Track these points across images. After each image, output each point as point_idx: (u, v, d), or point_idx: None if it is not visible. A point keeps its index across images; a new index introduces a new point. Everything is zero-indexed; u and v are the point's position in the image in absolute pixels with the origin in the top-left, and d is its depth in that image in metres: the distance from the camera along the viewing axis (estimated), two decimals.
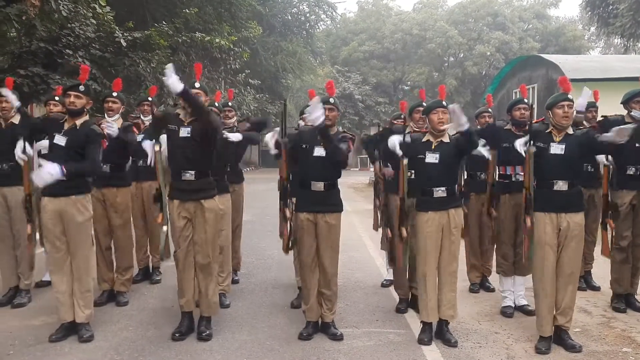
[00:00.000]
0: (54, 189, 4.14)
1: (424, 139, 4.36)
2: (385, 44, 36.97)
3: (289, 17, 29.17)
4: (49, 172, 3.96)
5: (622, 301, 5.16)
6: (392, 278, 5.62)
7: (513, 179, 5.01)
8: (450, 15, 38.35)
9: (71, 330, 4.32)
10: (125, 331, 4.53)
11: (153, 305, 5.28)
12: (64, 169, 4.01)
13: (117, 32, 10.44)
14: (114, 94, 5.30)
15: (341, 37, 39.24)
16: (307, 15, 30.46)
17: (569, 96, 4.11)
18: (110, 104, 5.22)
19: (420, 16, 37.85)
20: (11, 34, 8.41)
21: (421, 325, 4.44)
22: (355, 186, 19.18)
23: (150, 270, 6.22)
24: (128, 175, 5.50)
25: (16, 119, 5.16)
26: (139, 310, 5.11)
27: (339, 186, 4.51)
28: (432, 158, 4.24)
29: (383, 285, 6.03)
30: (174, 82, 3.94)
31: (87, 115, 4.47)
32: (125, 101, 5.63)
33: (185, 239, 4.31)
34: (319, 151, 4.28)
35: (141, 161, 5.77)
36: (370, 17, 39.53)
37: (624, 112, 5.17)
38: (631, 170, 5.01)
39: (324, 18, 32.21)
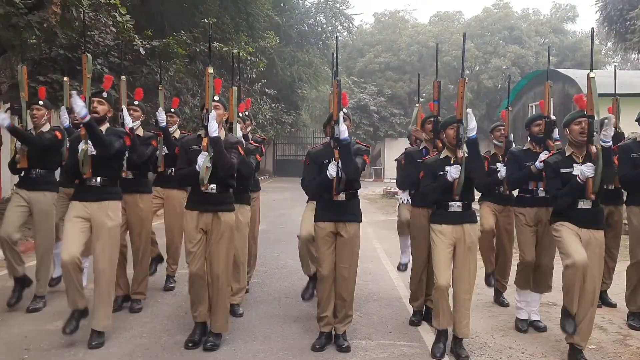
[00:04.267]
0: (87, 194, 4.26)
1: (442, 156, 4.39)
2: (401, 55, 37.04)
3: (306, 28, 29.33)
4: (80, 103, 4.06)
5: (638, 318, 5.11)
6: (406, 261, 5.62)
7: (535, 195, 4.99)
8: (467, 28, 38.29)
9: (83, 315, 4.37)
10: (139, 338, 4.55)
11: (167, 312, 5.30)
12: (88, 116, 4.13)
13: (136, 40, 10.55)
14: (135, 102, 5.39)
15: (357, 48, 39.38)
16: (324, 26, 30.61)
17: (586, 113, 4.11)
18: (131, 112, 5.30)
19: (437, 29, 37.91)
20: (31, 41, 8.53)
21: (435, 335, 4.42)
22: (370, 197, 19.17)
23: (165, 278, 6.25)
24: (150, 182, 5.57)
25: (46, 128, 5.26)
26: (153, 317, 5.14)
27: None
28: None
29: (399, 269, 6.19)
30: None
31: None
32: (145, 110, 5.69)
33: (200, 253, 4.33)
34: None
35: (169, 170, 5.86)
36: (386, 29, 39.66)
37: (639, 129, 5.18)
38: None
39: (340, 29, 32.34)
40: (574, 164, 4.15)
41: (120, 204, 4.58)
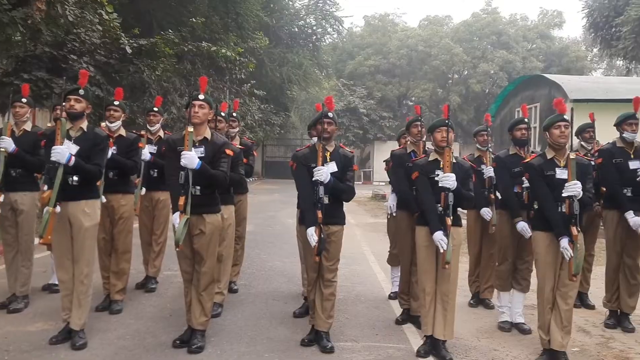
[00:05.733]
0: (64, 194, 4.17)
1: (431, 158, 4.41)
2: (390, 59, 37.13)
3: (296, 29, 29.29)
4: (59, 151, 4.04)
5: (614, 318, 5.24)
6: (397, 290, 5.60)
7: (519, 198, 5.02)
8: (456, 32, 38.54)
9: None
10: (122, 340, 4.49)
11: (151, 314, 5.25)
12: (73, 158, 4.10)
13: (122, 38, 10.48)
14: (116, 102, 5.34)
15: (347, 50, 39.43)
16: (314, 28, 30.60)
17: (565, 117, 4.19)
18: (111, 112, 5.27)
19: (426, 33, 38.05)
20: (16, 38, 8.43)
21: (423, 339, 4.44)
22: (359, 200, 19.17)
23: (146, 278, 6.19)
24: (132, 182, 5.52)
25: (28, 126, 5.21)
26: (137, 318, 5.08)
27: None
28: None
29: (390, 298, 6.03)
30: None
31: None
32: (127, 110, 5.65)
33: (189, 254, 4.31)
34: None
35: (153, 171, 5.84)
36: (376, 32, 39.74)
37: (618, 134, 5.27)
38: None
39: (330, 31, 32.38)
40: (556, 168, 4.19)
41: (98, 202, 4.52)
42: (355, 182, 4.62)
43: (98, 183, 4.62)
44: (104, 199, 4.91)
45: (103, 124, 5.32)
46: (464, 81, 36.69)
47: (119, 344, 4.38)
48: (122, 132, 5.31)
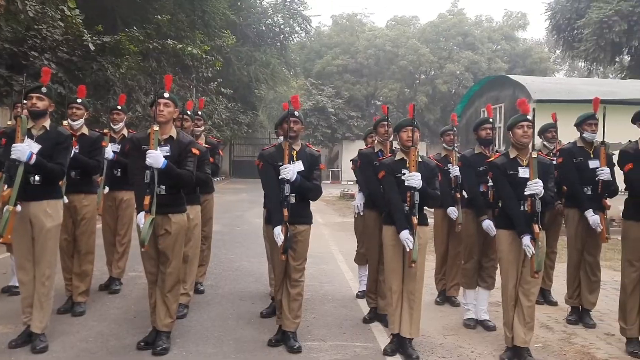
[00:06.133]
0: (25, 194, 4.06)
1: (397, 158, 4.44)
2: (358, 58, 37.30)
3: (263, 28, 29.19)
4: (20, 149, 3.94)
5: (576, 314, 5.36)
6: (365, 289, 5.62)
7: (485, 197, 5.10)
8: (422, 33, 38.92)
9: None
10: (85, 342, 4.40)
11: (115, 315, 5.16)
12: (34, 157, 4.00)
13: (85, 35, 10.26)
14: (79, 100, 5.22)
15: (315, 50, 39.45)
16: (282, 26, 30.53)
17: (528, 117, 4.27)
18: (74, 110, 5.15)
19: (393, 33, 38.32)
20: None
21: (390, 338, 4.47)
22: (327, 199, 19.20)
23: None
24: (95, 182, 5.41)
25: None
26: (100, 320, 4.98)
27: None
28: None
29: (358, 297, 6.05)
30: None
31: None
32: (89, 107, 5.53)
33: (154, 254, 4.25)
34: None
35: (116, 170, 5.75)
36: (344, 31, 39.85)
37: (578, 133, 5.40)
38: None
39: (298, 30, 32.35)
40: (519, 167, 4.26)
41: (60, 203, 4.42)
42: (323, 182, 4.62)
43: (60, 183, 4.52)
44: (66, 200, 4.81)
45: (65, 123, 5.19)
46: (430, 81, 37.09)
47: (81, 347, 4.29)
48: (85, 130, 5.20)
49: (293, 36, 32.69)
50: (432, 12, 65.03)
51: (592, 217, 5.06)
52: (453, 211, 5.56)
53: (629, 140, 4.74)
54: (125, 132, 5.97)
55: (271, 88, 30.69)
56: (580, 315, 5.32)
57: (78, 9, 10.01)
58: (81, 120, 5.17)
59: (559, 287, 6.02)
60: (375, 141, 5.43)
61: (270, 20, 29.92)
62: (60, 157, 4.23)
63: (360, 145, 6.02)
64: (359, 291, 6.11)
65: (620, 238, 4.73)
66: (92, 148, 5.12)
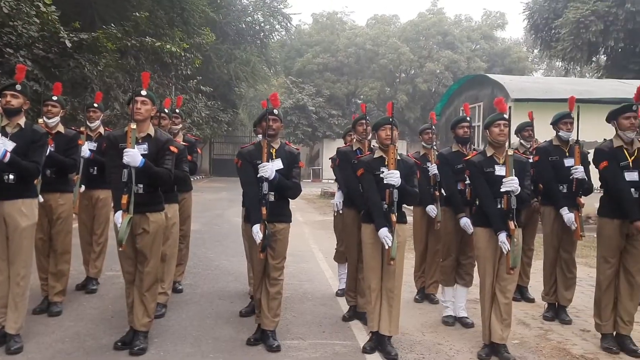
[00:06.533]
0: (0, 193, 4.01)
1: (376, 156, 4.45)
2: (339, 57, 37.31)
3: (243, 26, 29.01)
4: None
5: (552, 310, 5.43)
6: (344, 287, 5.63)
7: (462, 195, 5.14)
8: (402, 32, 39.06)
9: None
10: (61, 343, 4.34)
11: (92, 315, 5.09)
12: (8, 155, 3.93)
13: (61, 32, 10.11)
14: (54, 97, 5.15)
15: (296, 48, 39.37)
16: (262, 24, 30.40)
17: (505, 115, 4.31)
18: (49, 107, 5.08)
19: (373, 32, 38.40)
20: None
21: (369, 335, 4.48)
22: (307, 197, 19.20)
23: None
24: (71, 181, 5.34)
25: None
26: (77, 320, 4.92)
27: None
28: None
29: (337, 295, 6.05)
30: None
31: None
32: (65, 105, 5.46)
33: (131, 254, 4.21)
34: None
35: (93, 169, 5.69)
36: (324, 29, 39.83)
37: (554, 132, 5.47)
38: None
39: (278, 28, 32.25)
40: (496, 165, 4.30)
41: (35, 201, 4.35)
42: (304, 180, 4.61)
43: (35, 181, 4.45)
44: (41, 199, 4.74)
45: (41, 120, 5.11)
46: (411, 80, 37.25)
47: (57, 348, 4.24)
48: (61, 128, 5.12)
49: (273, 34, 32.60)
50: (412, 11, 65.68)
51: (567, 215, 5.13)
52: (432, 209, 5.60)
53: (604, 139, 4.81)
54: (101, 130, 5.90)
55: (251, 86, 30.55)
56: (556, 311, 5.39)
57: (54, 6, 9.85)
58: (57, 118, 5.10)
59: (537, 284, 6.09)
60: (354, 140, 5.44)
61: (250, 18, 29.76)
62: (35, 155, 4.17)
63: (342, 143, 6.03)
64: (338, 289, 6.12)
65: (595, 235, 4.79)
66: (68, 146, 5.05)
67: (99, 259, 5.95)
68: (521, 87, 15.04)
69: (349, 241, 5.30)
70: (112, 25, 12.66)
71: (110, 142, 4.23)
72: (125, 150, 3.95)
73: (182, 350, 4.29)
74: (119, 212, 4.00)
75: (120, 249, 4.07)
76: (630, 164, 4.45)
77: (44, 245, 5.10)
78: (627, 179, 4.42)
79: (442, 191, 5.49)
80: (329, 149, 30.73)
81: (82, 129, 5.68)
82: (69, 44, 10.34)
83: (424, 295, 5.96)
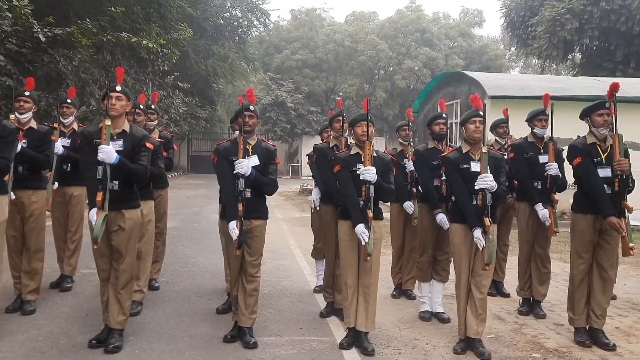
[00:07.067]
0: None
1: (352, 152, 4.46)
2: (317, 53, 37.26)
3: (221, 22, 28.76)
4: None
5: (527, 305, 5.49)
6: (322, 284, 5.64)
7: (439, 192, 5.17)
8: (381, 29, 39.15)
9: None
10: (34, 342, 4.28)
11: (66, 314, 5.03)
12: None
13: (35, 26, 9.93)
14: (26, 93, 5.06)
15: (274, 44, 39.22)
16: (240, 20, 30.20)
17: (480, 112, 4.36)
18: (21, 103, 4.99)
19: (352, 28, 38.43)
20: None
21: (346, 332, 4.50)
22: (286, 194, 19.17)
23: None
24: (44, 178, 5.25)
25: None
26: (51, 319, 4.85)
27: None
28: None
29: (315, 292, 6.05)
30: None
31: None
32: (38, 101, 5.37)
33: (106, 251, 4.16)
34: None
35: (66, 165, 5.60)
36: (303, 26, 39.74)
37: (529, 129, 5.54)
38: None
39: (257, 25, 32.04)
40: (471, 162, 4.34)
41: (6, 198, 4.28)
42: (283, 177, 4.60)
43: (6, 178, 4.37)
44: (12, 196, 4.65)
45: (12, 116, 5.02)
46: (389, 77, 37.36)
47: (30, 346, 4.17)
48: (33, 124, 5.04)
49: (252, 30, 32.34)
50: (391, 8, 65.80)
51: (542, 211, 5.20)
52: (409, 206, 5.62)
53: (578, 136, 4.88)
54: (75, 126, 5.81)
55: (230, 82, 30.33)
56: (531, 306, 5.46)
57: (27, 0, 9.67)
58: (29, 114, 5.02)
59: (512, 279, 6.16)
60: (331, 136, 5.45)
61: (228, 13, 29.50)
62: (4, 151, 4.10)
63: (320, 140, 6.03)
64: (316, 286, 6.12)
65: (569, 230, 4.86)
66: (40, 142, 4.97)
67: (73, 256, 5.86)
68: (498, 84, 15.16)
69: (326, 238, 5.31)
70: (88, 20, 12.46)
71: (84, 138, 4.17)
72: (100, 147, 3.91)
73: (158, 348, 4.25)
74: (94, 210, 3.95)
75: (95, 247, 4.02)
76: (604, 160, 4.51)
77: (16, 243, 5.02)
78: (600, 175, 4.47)
79: (419, 188, 5.52)
80: (308, 146, 30.58)
81: (55, 125, 5.60)
82: (43, 39, 10.17)
83: (401, 291, 5.99)
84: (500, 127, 6.01)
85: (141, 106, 5.34)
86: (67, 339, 4.37)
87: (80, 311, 5.11)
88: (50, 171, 5.38)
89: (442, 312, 5.20)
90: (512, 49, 35.65)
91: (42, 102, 10.60)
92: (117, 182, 4.06)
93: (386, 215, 4.76)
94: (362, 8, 69.99)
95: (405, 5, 40.51)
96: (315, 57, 37.26)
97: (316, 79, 36.91)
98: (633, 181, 4.76)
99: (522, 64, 46.56)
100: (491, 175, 4.15)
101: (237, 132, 4.48)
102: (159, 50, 14.49)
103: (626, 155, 4.50)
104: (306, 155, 6.14)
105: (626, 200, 4.40)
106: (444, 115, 5.46)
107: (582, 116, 4.71)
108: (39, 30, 10.09)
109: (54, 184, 5.48)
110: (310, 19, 40.54)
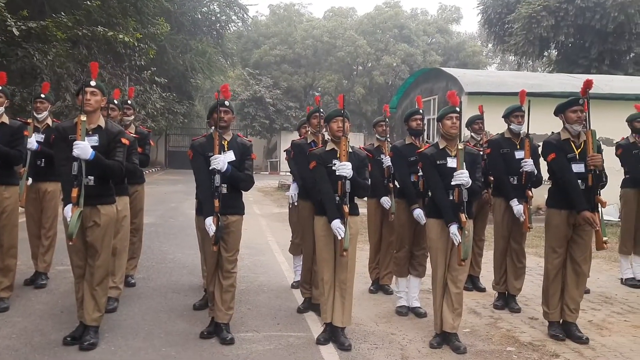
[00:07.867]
0: None
1: (328, 148, 4.47)
2: (296, 49, 37.20)
3: (199, 16, 28.56)
4: None
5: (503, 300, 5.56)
6: (300, 279, 5.64)
7: (416, 188, 5.20)
8: (360, 25, 39.21)
9: None
10: (7, 339, 4.22)
11: (40, 311, 4.96)
12: None
13: (9, 20, 9.74)
14: None
15: (252, 39, 39.06)
16: (218, 15, 30.00)
17: (457, 109, 4.39)
18: None
19: (331, 24, 38.43)
20: None
21: (323, 327, 4.51)
22: (265, 190, 19.13)
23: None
24: (17, 174, 5.17)
25: None
26: (25, 316, 4.78)
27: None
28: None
29: (293, 287, 6.06)
30: None
31: None
32: (10, 96, 5.27)
33: (81, 247, 4.12)
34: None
35: (40, 161, 5.52)
36: (282, 21, 39.63)
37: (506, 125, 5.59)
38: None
39: (235, 19, 31.87)
40: (448, 157, 4.38)
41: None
42: (261, 172, 4.59)
43: None
44: None
45: None
46: (368, 73, 37.45)
47: (4, 344, 4.12)
48: (5, 119, 4.95)
49: (230, 25, 32.19)
50: (369, 4, 65.75)
51: (517, 206, 5.27)
52: (386, 201, 5.66)
53: (552, 132, 4.95)
54: (49, 121, 5.73)
55: (208, 77, 30.12)
56: (506, 300, 5.53)
57: None
58: (1, 109, 4.92)
59: (488, 274, 6.23)
60: (309, 132, 5.45)
61: (206, 8, 29.29)
62: None
63: (298, 136, 6.04)
64: (294, 281, 6.13)
65: (544, 225, 4.93)
66: (13, 138, 4.89)
67: (48, 253, 5.78)
68: (475, 80, 15.29)
69: (304, 233, 5.32)
70: (63, 13, 12.26)
71: (59, 133, 4.11)
72: (75, 142, 3.86)
73: (134, 345, 4.22)
74: (69, 206, 3.90)
75: (70, 243, 3.97)
76: (577, 156, 4.58)
77: None
78: (574, 170, 4.54)
79: (396, 183, 5.55)
80: (287, 141, 30.46)
81: (28, 120, 5.50)
82: (16, 33, 9.98)
83: (379, 287, 6.03)
84: (475, 123, 6.07)
85: (115, 101, 5.28)
86: (42, 336, 4.31)
87: (55, 308, 5.05)
88: (24, 167, 5.30)
89: (419, 307, 5.25)
90: (489, 45, 36.02)
91: (17, 97, 10.42)
92: (92, 178, 4.02)
93: (363, 210, 4.78)
94: (341, 4, 69.81)
95: (383, 1, 40.56)
96: (293, 52, 37.19)
97: (295, 75, 36.86)
98: (606, 176, 4.86)
99: (499, 60, 47.03)
100: (467, 171, 4.19)
101: (213, 128, 4.45)
102: (136, 45, 14.33)
103: (599, 150, 4.58)
104: (284, 151, 6.14)
105: (599, 195, 4.48)
106: (421, 111, 5.49)
107: (556, 112, 4.77)
108: (13, 24, 9.91)
109: (27, 179, 5.39)
110: (289, 14, 40.44)
